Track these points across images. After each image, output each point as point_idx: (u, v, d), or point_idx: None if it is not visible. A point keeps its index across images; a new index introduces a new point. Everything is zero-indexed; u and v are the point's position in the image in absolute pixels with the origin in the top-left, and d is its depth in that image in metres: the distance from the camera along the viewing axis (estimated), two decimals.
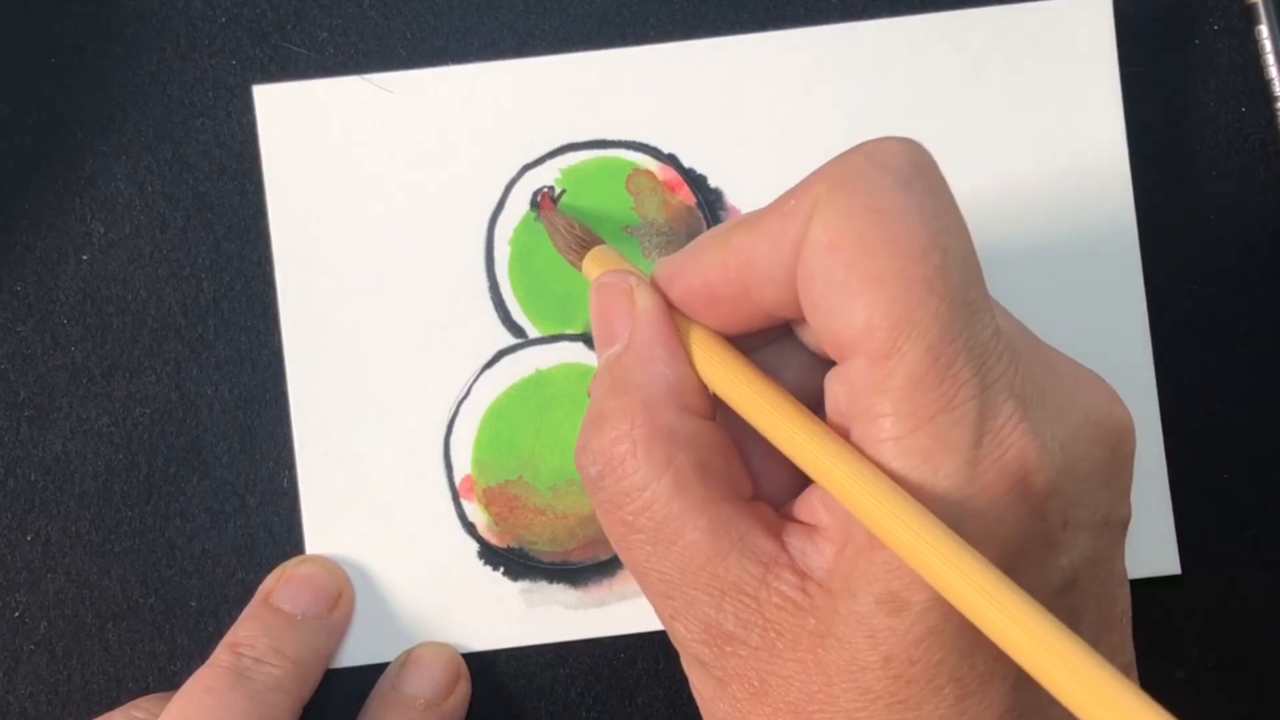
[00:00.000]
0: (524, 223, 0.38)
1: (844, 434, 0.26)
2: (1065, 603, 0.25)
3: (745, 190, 0.38)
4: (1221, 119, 0.39)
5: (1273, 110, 0.39)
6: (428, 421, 0.38)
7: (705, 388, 0.28)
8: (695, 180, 0.39)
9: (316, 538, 0.38)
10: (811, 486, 0.27)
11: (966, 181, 0.38)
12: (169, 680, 0.37)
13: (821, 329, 0.26)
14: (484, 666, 0.38)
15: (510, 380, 0.38)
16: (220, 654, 0.36)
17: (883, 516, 0.24)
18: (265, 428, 0.38)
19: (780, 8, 0.39)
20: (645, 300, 0.29)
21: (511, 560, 0.38)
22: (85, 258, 0.38)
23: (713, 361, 0.28)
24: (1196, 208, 0.39)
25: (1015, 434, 0.24)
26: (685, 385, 0.28)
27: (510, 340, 0.38)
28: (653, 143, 0.39)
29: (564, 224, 0.34)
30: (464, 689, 0.37)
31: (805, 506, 0.27)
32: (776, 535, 0.27)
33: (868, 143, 0.26)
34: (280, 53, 0.39)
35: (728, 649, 0.27)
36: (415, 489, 0.38)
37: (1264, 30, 0.39)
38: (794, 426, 0.26)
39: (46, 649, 0.38)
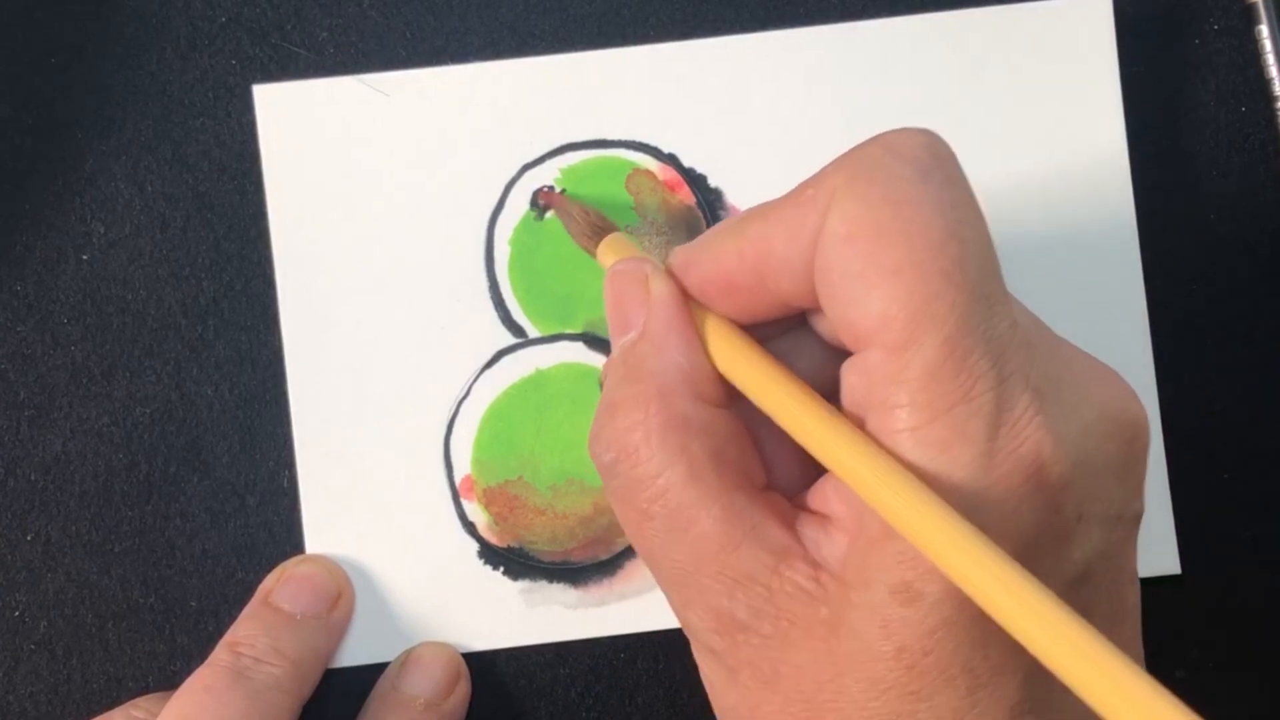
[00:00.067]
0: (524, 223, 0.38)
1: (860, 424, 0.26)
2: (1078, 596, 0.25)
3: (745, 190, 0.38)
4: (1221, 119, 0.39)
5: (1273, 110, 0.39)
6: (428, 421, 0.38)
7: (720, 376, 0.28)
8: (695, 180, 0.39)
9: (316, 538, 0.38)
10: (825, 476, 0.27)
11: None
12: (169, 680, 0.37)
13: (838, 319, 0.26)
14: (484, 666, 0.38)
15: (510, 380, 0.38)
16: (220, 653, 0.36)
17: (898, 507, 0.24)
18: (265, 428, 0.38)
19: (780, 7, 0.39)
20: (660, 287, 0.29)
21: (511, 560, 0.38)
22: (85, 258, 0.38)
23: (728, 350, 0.28)
24: (1196, 208, 0.39)
25: (1031, 426, 0.24)
26: (700, 373, 0.28)
27: (510, 340, 0.38)
28: (652, 142, 0.39)
29: (579, 211, 0.34)
30: (464, 689, 0.37)
31: (819, 496, 0.27)
32: (790, 525, 0.27)
33: (886, 133, 0.26)
34: (280, 53, 0.39)
35: (739, 638, 0.27)
36: (415, 489, 0.38)
37: (1264, 30, 0.39)
38: (809, 416, 0.26)
39: (46, 649, 0.38)
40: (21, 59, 0.39)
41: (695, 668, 0.38)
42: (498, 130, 0.38)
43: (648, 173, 0.39)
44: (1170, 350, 0.38)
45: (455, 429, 0.38)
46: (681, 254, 0.29)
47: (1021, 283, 0.38)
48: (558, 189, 0.38)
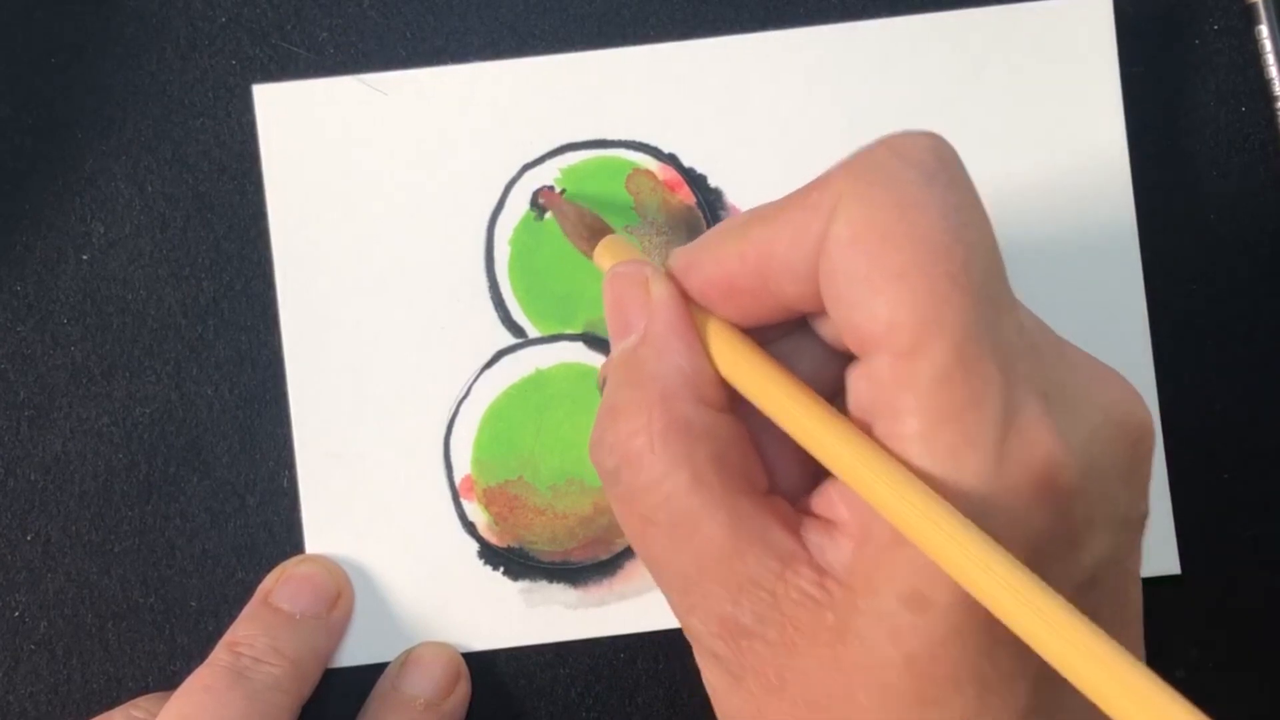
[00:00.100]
0: (524, 223, 0.38)
1: (866, 429, 0.25)
2: (1086, 600, 0.25)
3: (745, 190, 0.38)
4: (1221, 119, 0.39)
5: (1273, 110, 0.39)
6: (428, 421, 0.38)
7: (722, 380, 0.28)
8: (695, 180, 0.39)
9: (316, 538, 0.38)
10: (829, 480, 0.27)
11: None
12: (169, 680, 0.37)
13: (844, 324, 0.25)
14: (484, 666, 0.38)
15: (510, 380, 0.38)
16: (219, 653, 0.36)
17: (908, 514, 0.24)
18: (265, 428, 0.38)
19: (780, 7, 0.39)
20: (661, 291, 0.28)
21: (511, 560, 0.38)
22: (85, 258, 0.38)
23: (730, 354, 0.28)
24: (1196, 208, 0.39)
25: (1040, 431, 0.24)
26: (702, 378, 0.28)
27: (510, 340, 0.38)
28: (652, 142, 0.39)
29: (574, 212, 0.34)
30: (464, 689, 0.37)
31: (823, 501, 0.27)
32: (794, 530, 0.27)
33: (891, 136, 0.26)
34: (280, 53, 0.39)
35: (744, 644, 0.27)
36: (415, 489, 0.38)
37: (1264, 30, 0.39)
38: (816, 422, 0.26)
39: (46, 649, 0.38)
40: (21, 59, 0.39)
41: (695, 668, 0.38)
42: (498, 130, 0.38)
43: (648, 173, 0.39)
44: (1170, 350, 0.38)
45: (455, 429, 0.38)
46: (682, 256, 0.29)
47: (1022, 283, 0.38)
48: (555, 189, 0.38)
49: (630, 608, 0.38)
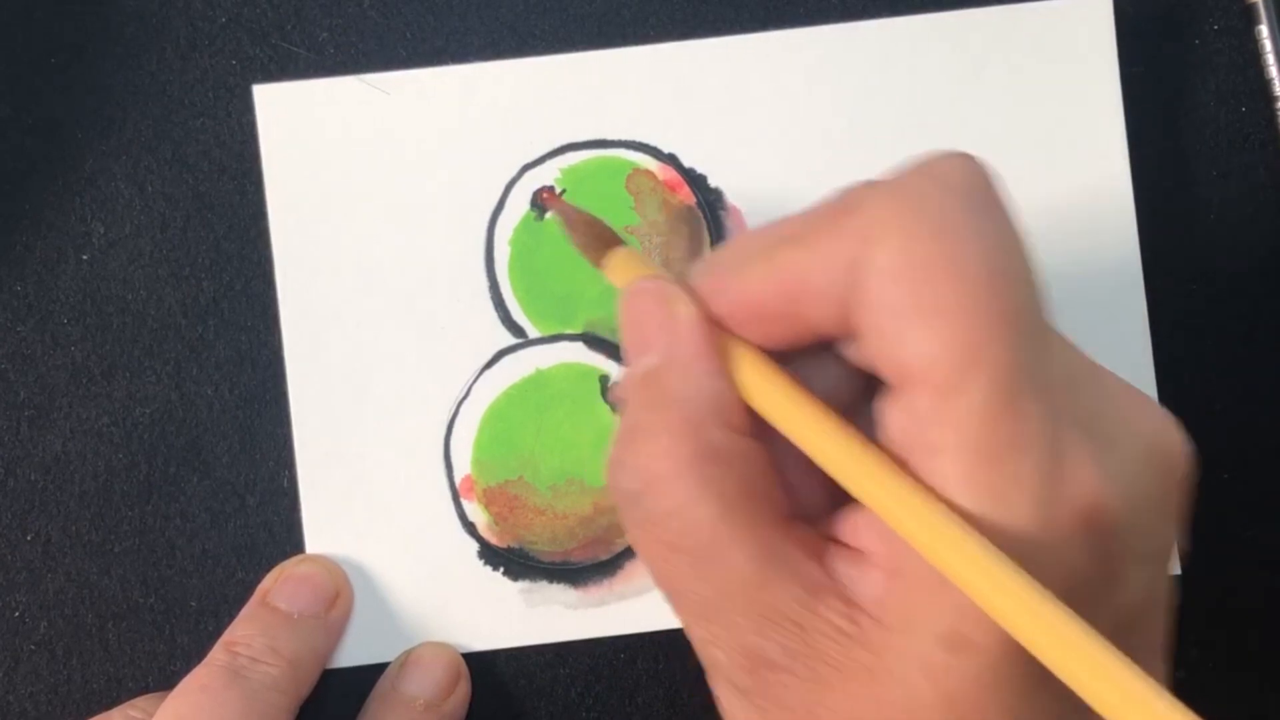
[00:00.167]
0: (524, 223, 0.38)
1: (900, 462, 0.25)
2: (1125, 639, 0.24)
3: (745, 190, 0.38)
4: (1221, 119, 0.39)
5: (1273, 110, 0.39)
6: (428, 421, 0.38)
7: (746, 405, 0.27)
8: (695, 180, 0.39)
9: (316, 538, 0.38)
10: (855, 507, 0.26)
11: None
12: (169, 680, 0.37)
13: (880, 355, 0.25)
14: (484, 666, 0.38)
15: (510, 380, 0.38)
16: (216, 653, 0.36)
17: (950, 554, 0.23)
18: (265, 428, 0.38)
19: (780, 7, 0.39)
20: (687, 312, 0.27)
21: (511, 560, 0.38)
22: (85, 258, 0.38)
23: (758, 380, 0.27)
24: (1196, 208, 0.39)
25: (1083, 469, 0.24)
26: (727, 402, 0.27)
27: (510, 340, 0.38)
28: (653, 142, 0.38)
29: (582, 221, 0.33)
30: (464, 689, 0.37)
31: (848, 528, 0.26)
32: (819, 558, 0.26)
33: (930, 160, 0.26)
34: (280, 53, 0.39)
35: (770, 677, 0.26)
36: (415, 489, 0.38)
37: (1264, 30, 0.39)
38: (852, 457, 0.25)
39: (46, 649, 0.38)
40: (21, 59, 0.39)
41: (695, 668, 0.38)
42: (498, 130, 0.38)
43: (648, 173, 0.39)
44: (1170, 350, 0.38)
45: (455, 429, 0.38)
46: (705, 277, 0.28)
47: None
48: (559, 192, 0.38)
49: (630, 608, 0.38)
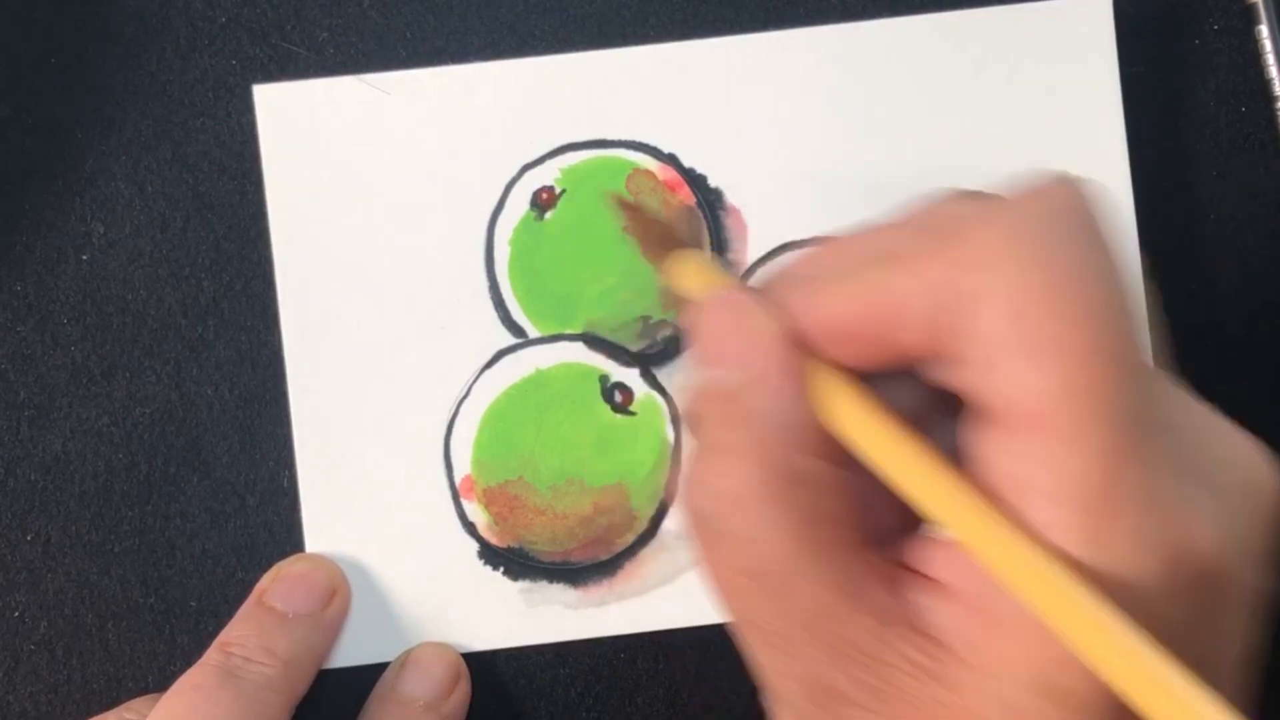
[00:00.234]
0: (524, 223, 0.38)
1: (991, 495, 0.24)
2: (1222, 688, 0.23)
3: (745, 190, 0.38)
4: (1221, 119, 0.39)
5: (1273, 110, 0.39)
6: (428, 421, 0.38)
7: (824, 430, 0.26)
8: (695, 180, 0.38)
9: (316, 538, 0.38)
10: (930, 536, 0.25)
11: (966, 182, 0.38)
12: (169, 680, 0.37)
13: (984, 388, 0.24)
14: (484, 666, 0.38)
15: (510, 380, 0.38)
16: (211, 654, 0.35)
17: (1055, 603, 0.22)
18: (265, 428, 0.38)
19: (780, 8, 0.39)
20: (771, 329, 0.26)
21: (511, 560, 0.38)
22: (85, 258, 0.38)
23: (842, 402, 0.26)
24: (1196, 208, 0.39)
25: (1190, 517, 0.23)
26: (810, 424, 0.26)
27: (510, 340, 0.38)
28: (652, 142, 0.38)
29: (648, 219, 0.32)
30: (464, 689, 0.37)
31: (924, 558, 0.25)
32: (893, 587, 0.25)
33: (1040, 186, 0.25)
34: (280, 53, 0.39)
35: (840, 710, 0.25)
36: (415, 489, 0.38)
37: (1264, 30, 0.39)
38: (946, 494, 0.24)
39: (46, 649, 0.38)
40: (21, 59, 0.39)
41: (695, 668, 0.38)
42: (498, 130, 0.38)
43: (648, 173, 0.39)
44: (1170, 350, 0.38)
45: (455, 429, 0.38)
46: (788, 292, 0.26)
47: None
48: (625, 194, 0.38)
49: (630, 608, 0.38)
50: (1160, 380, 0.25)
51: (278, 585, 0.37)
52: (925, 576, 0.25)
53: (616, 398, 0.38)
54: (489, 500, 0.38)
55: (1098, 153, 0.38)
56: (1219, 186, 0.39)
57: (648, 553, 0.38)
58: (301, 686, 0.36)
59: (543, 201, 0.38)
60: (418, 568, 0.38)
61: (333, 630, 0.37)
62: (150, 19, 0.39)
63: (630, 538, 0.38)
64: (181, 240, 0.38)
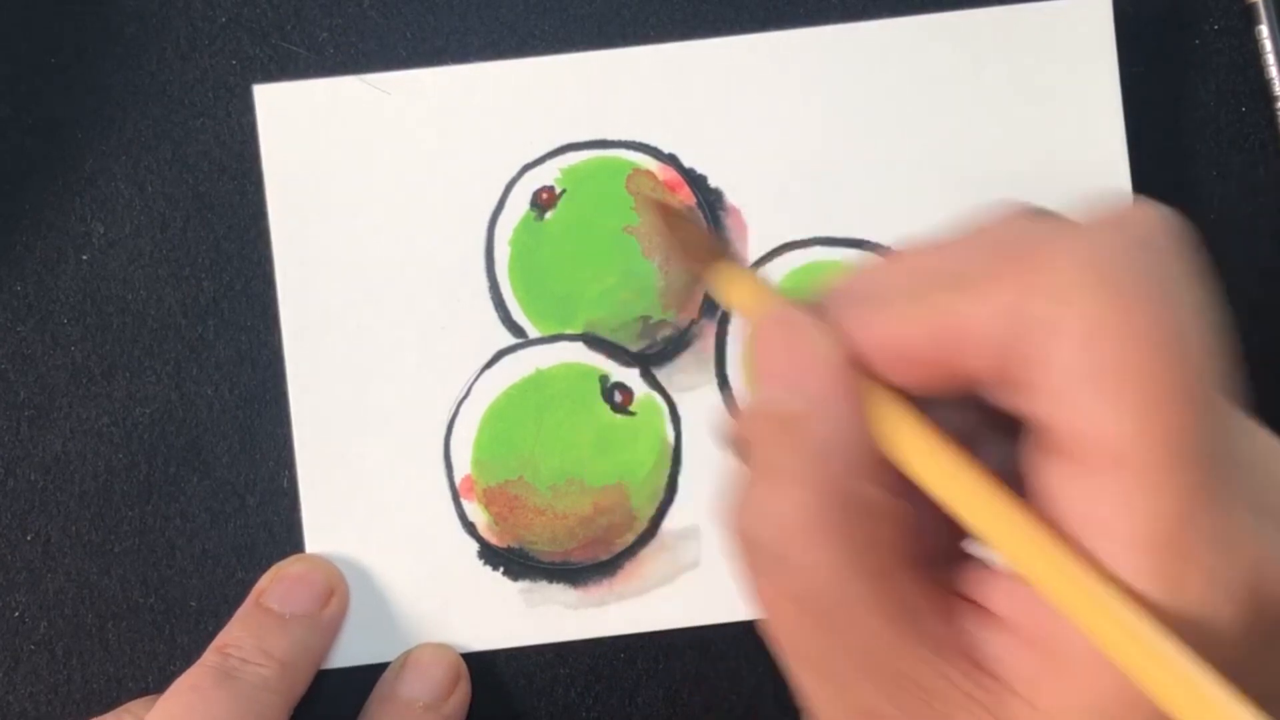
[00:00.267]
0: (524, 223, 0.38)
1: (1055, 527, 0.23)
2: None
3: (745, 190, 0.38)
4: (1221, 119, 0.39)
5: (1273, 110, 0.39)
6: (428, 421, 0.38)
7: (883, 459, 0.25)
8: (695, 180, 0.38)
9: (316, 538, 0.38)
10: (990, 565, 0.25)
11: (966, 183, 0.38)
12: (169, 680, 0.37)
13: (1055, 420, 0.23)
14: (484, 666, 0.38)
15: (510, 380, 0.38)
16: (208, 655, 0.35)
17: (1126, 644, 0.22)
18: (265, 428, 0.38)
19: (780, 8, 0.39)
20: (830, 350, 0.25)
21: (511, 560, 0.38)
22: (85, 258, 0.38)
23: (902, 430, 0.25)
24: (1196, 208, 0.39)
25: (1263, 554, 0.22)
26: (869, 451, 0.25)
27: (510, 340, 0.38)
28: (653, 143, 0.38)
29: (688, 225, 0.30)
30: (464, 690, 0.37)
31: (981, 588, 0.24)
32: (949, 618, 0.24)
33: (1121, 212, 0.24)
34: (280, 53, 0.39)
35: None
36: (415, 489, 0.38)
37: (1264, 30, 0.39)
38: (1013, 529, 0.23)
39: (46, 649, 0.38)
40: (21, 59, 0.39)
41: (695, 668, 0.38)
42: (498, 130, 0.38)
43: (648, 173, 0.39)
44: None
45: (455, 429, 0.38)
46: (847, 311, 0.25)
47: None
48: (664, 198, 0.38)
49: (630, 608, 0.38)
50: (1234, 414, 0.24)
51: (275, 586, 0.37)
52: (982, 607, 0.24)
53: (616, 398, 0.38)
54: (489, 500, 0.38)
55: (1098, 153, 0.38)
56: (1219, 186, 0.39)
57: (648, 553, 0.38)
58: (299, 687, 0.36)
59: (543, 201, 0.38)
60: (418, 568, 0.38)
61: (330, 631, 0.37)
62: (150, 19, 0.39)
63: (630, 538, 0.38)
64: (181, 240, 0.38)
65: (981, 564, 0.25)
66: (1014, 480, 0.24)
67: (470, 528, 0.38)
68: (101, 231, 0.38)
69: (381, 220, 0.38)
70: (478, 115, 0.38)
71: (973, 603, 0.25)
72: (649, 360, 0.38)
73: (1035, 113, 0.38)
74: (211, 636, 0.37)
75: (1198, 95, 0.39)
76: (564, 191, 0.38)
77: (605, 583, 0.38)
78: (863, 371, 0.25)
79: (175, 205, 0.39)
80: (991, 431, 0.26)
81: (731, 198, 0.38)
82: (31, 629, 0.38)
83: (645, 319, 0.38)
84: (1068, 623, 0.23)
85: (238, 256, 0.38)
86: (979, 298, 0.23)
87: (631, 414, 0.38)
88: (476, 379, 0.38)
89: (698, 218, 0.31)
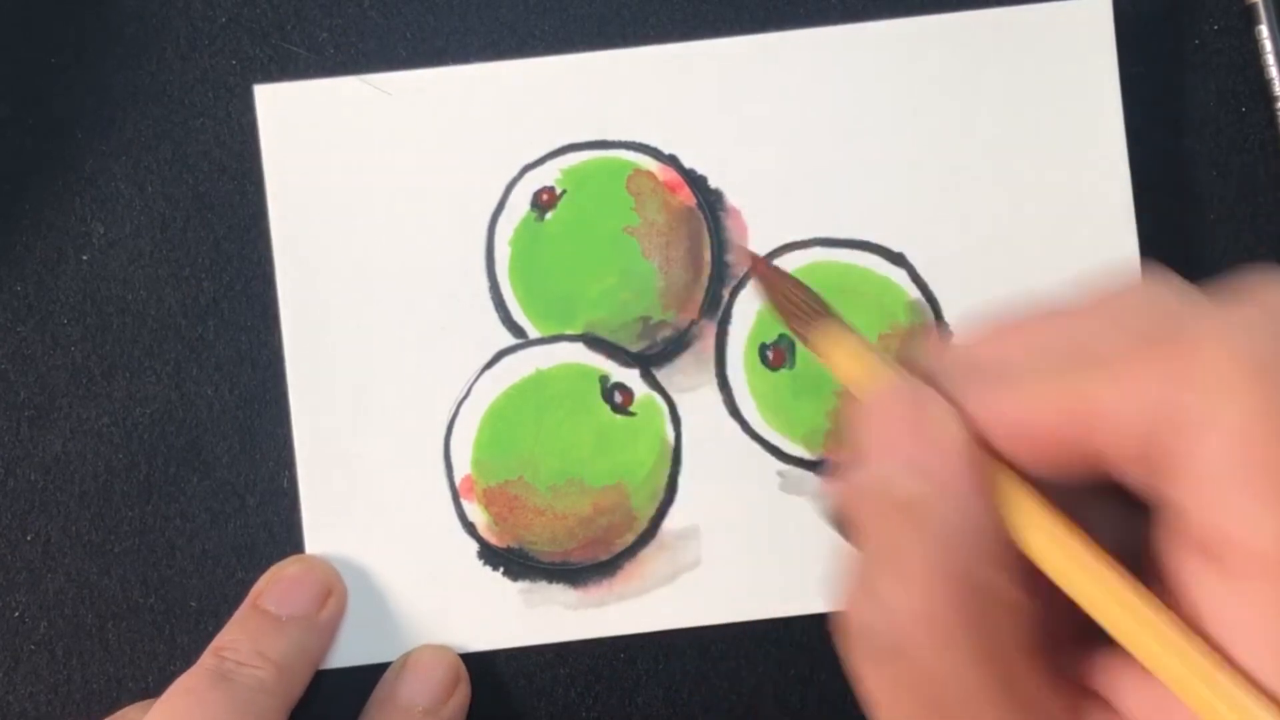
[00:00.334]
0: (524, 223, 0.38)
1: (1193, 626, 0.22)
2: None
3: (745, 191, 0.38)
4: (1221, 119, 0.39)
5: (1273, 110, 0.39)
6: (428, 421, 0.38)
7: (1010, 543, 0.24)
8: (695, 181, 0.38)
9: (316, 538, 0.38)
10: (1122, 667, 0.23)
11: (966, 183, 0.38)
12: (169, 680, 0.37)
13: (1194, 515, 0.22)
14: (484, 667, 0.38)
15: (510, 380, 0.38)
16: (204, 658, 0.35)
17: None
18: (265, 428, 0.38)
19: (781, 9, 0.39)
20: (956, 430, 0.24)
21: (511, 560, 0.38)
22: (85, 258, 0.38)
23: (1031, 516, 0.23)
24: (1196, 207, 0.39)
25: None
26: (998, 539, 0.23)
27: (510, 340, 0.38)
28: (653, 143, 0.38)
29: (791, 288, 0.29)
30: (463, 692, 0.37)
31: (1110, 685, 0.23)
32: (1073, 713, 0.23)
33: (1264, 293, 0.23)
34: (280, 53, 0.39)
35: None
36: (415, 489, 0.38)
37: (1264, 30, 0.39)
38: (1154, 630, 0.22)
39: (46, 649, 0.38)
40: (21, 59, 0.39)
41: (695, 668, 0.38)
42: (498, 131, 0.38)
43: (648, 174, 0.39)
44: None
45: (455, 429, 0.38)
46: (972, 386, 0.24)
47: (1021, 285, 0.38)
48: (761, 255, 0.37)
49: (630, 608, 0.38)
50: None
51: (272, 588, 0.37)
52: (1109, 705, 0.23)
53: (616, 398, 0.38)
54: (489, 500, 0.38)
55: (1098, 153, 0.38)
56: (1219, 186, 0.39)
57: (647, 553, 0.38)
58: (297, 689, 0.36)
59: (543, 202, 0.38)
60: (418, 568, 0.38)
61: (328, 632, 0.37)
62: (150, 19, 0.39)
63: (630, 538, 0.38)
64: (181, 240, 0.38)
65: (1110, 656, 0.23)
66: (1133, 555, 0.23)
67: (470, 528, 0.38)
68: (101, 231, 0.38)
69: (382, 220, 0.38)
70: (478, 115, 0.38)
71: (1100, 698, 0.24)
72: (649, 361, 0.38)
73: (1035, 114, 0.38)
74: (211, 637, 0.37)
75: (1198, 95, 0.39)
76: (564, 192, 0.38)
77: (605, 583, 0.38)
78: (988, 452, 0.24)
79: (175, 205, 0.38)
80: (1106, 502, 0.25)
81: (732, 198, 0.38)
82: (31, 629, 0.38)
83: (645, 319, 0.38)
84: None
85: (238, 256, 0.38)
86: (1121, 382, 0.22)
87: (631, 414, 0.38)
88: (477, 379, 0.38)
89: (797, 280, 0.29)
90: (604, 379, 0.38)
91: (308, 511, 0.38)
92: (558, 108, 0.38)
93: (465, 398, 0.38)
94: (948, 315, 0.38)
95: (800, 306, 0.29)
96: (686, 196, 0.38)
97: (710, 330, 0.38)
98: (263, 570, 0.37)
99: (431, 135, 0.38)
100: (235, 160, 0.39)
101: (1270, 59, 0.39)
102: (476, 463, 0.38)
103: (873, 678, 0.24)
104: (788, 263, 0.38)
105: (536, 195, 0.38)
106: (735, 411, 0.38)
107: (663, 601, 0.38)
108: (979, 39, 0.39)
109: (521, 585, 0.38)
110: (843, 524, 0.25)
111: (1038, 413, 0.23)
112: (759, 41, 0.39)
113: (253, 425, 0.38)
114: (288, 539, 0.38)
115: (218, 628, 0.37)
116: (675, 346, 0.38)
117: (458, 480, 0.38)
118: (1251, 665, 0.21)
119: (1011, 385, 0.23)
